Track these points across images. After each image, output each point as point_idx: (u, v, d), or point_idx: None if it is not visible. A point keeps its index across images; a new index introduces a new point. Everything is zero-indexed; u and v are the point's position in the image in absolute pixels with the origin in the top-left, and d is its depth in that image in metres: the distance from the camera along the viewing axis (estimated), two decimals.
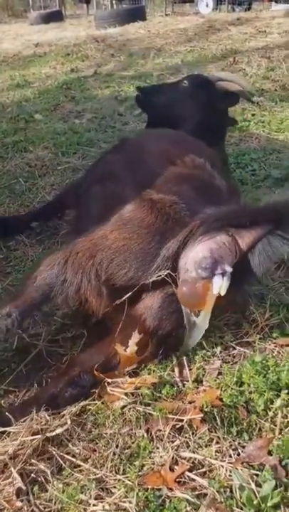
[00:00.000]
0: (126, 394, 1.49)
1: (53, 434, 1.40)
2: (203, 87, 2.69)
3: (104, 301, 1.58)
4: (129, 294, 1.55)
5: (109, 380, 1.54)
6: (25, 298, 1.56)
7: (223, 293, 1.40)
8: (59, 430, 1.41)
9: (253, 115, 4.07)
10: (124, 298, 1.56)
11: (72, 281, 1.55)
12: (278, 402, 1.41)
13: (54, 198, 2.73)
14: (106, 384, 1.54)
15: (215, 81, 2.69)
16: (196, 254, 1.43)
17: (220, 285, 1.39)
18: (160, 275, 1.51)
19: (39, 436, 1.38)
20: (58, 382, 1.52)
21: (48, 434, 1.39)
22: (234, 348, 1.64)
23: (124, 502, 1.22)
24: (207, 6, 14.23)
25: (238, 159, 3.16)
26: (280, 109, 4.14)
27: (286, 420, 1.39)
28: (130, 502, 1.21)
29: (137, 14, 10.95)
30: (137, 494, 1.22)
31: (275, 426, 1.38)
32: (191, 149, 2.03)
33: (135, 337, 1.50)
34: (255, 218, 1.44)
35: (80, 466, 1.34)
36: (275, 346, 1.63)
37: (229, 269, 1.40)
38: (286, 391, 1.43)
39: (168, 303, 1.57)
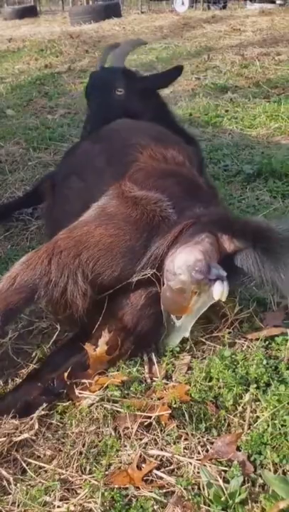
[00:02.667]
0: (94, 392, 1.46)
1: (20, 438, 1.36)
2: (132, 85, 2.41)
3: (88, 301, 1.49)
4: (111, 291, 1.50)
5: (78, 382, 1.51)
6: (6, 301, 1.43)
7: (224, 299, 1.38)
8: (26, 435, 1.37)
9: (226, 111, 4.07)
10: (104, 294, 1.51)
11: (57, 282, 1.45)
12: (247, 397, 1.40)
13: (31, 189, 2.64)
14: (74, 386, 1.50)
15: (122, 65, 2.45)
16: (188, 256, 1.38)
17: (221, 291, 1.35)
18: (146, 274, 1.47)
19: (3, 439, 1.34)
20: (31, 389, 1.47)
21: (15, 439, 1.35)
22: (204, 343, 1.62)
23: (90, 502, 1.19)
24: (183, 3, 14.20)
25: (210, 155, 3.15)
26: (252, 105, 4.15)
27: (255, 415, 1.38)
28: (95, 502, 1.18)
29: (112, 11, 10.88)
30: (103, 494, 1.19)
31: (244, 421, 1.36)
32: (173, 145, 1.99)
33: (105, 336, 1.47)
34: (240, 229, 1.44)
35: (44, 467, 1.30)
36: (245, 340, 1.62)
37: (224, 273, 1.37)
38: (255, 385, 1.41)
39: (149, 302, 1.53)
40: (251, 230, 1.44)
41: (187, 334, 1.52)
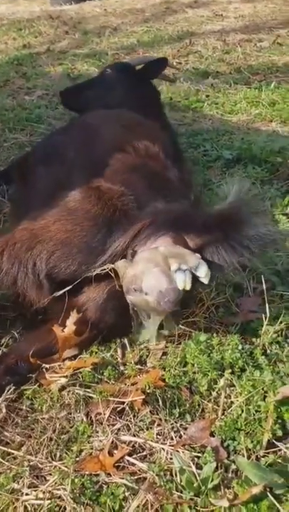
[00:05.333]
0: (65, 376, 1.42)
1: None
2: (126, 71, 2.83)
3: (45, 294, 1.51)
4: (70, 287, 1.48)
5: (47, 366, 1.47)
6: None
7: (188, 288, 1.32)
8: None
9: (207, 96, 4.02)
10: (63, 290, 1.49)
11: (7, 271, 1.48)
12: (221, 382, 1.38)
13: (3, 169, 2.60)
14: (44, 370, 1.46)
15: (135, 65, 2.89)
16: (160, 281, 1.31)
17: (183, 280, 1.30)
18: (104, 269, 1.45)
19: None
20: None
21: None
22: (179, 328, 1.59)
23: (59, 489, 1.16)
24: None
25: (190, 139, 3.10)
26: (233, 91, 4.10)
27: (229, 400, 1.36)
28: (65, 489, 1.15)
29: None
30: (73, 481, 1.16)
31: (218, 406, 1.34)
32: (146, 135, 1.95)
33: (73, 317, 1.43)
34: (204, 224, 1.40)
35: (13, 453, 1.26)
36: (220, 325, 1.60)
37: (185, 266, 1.32)
38: (229, 370, 1.39)
39: (112, 296, 1.50)
40: (214, 223, 1.40)
41: (166, 332, 1.50)
